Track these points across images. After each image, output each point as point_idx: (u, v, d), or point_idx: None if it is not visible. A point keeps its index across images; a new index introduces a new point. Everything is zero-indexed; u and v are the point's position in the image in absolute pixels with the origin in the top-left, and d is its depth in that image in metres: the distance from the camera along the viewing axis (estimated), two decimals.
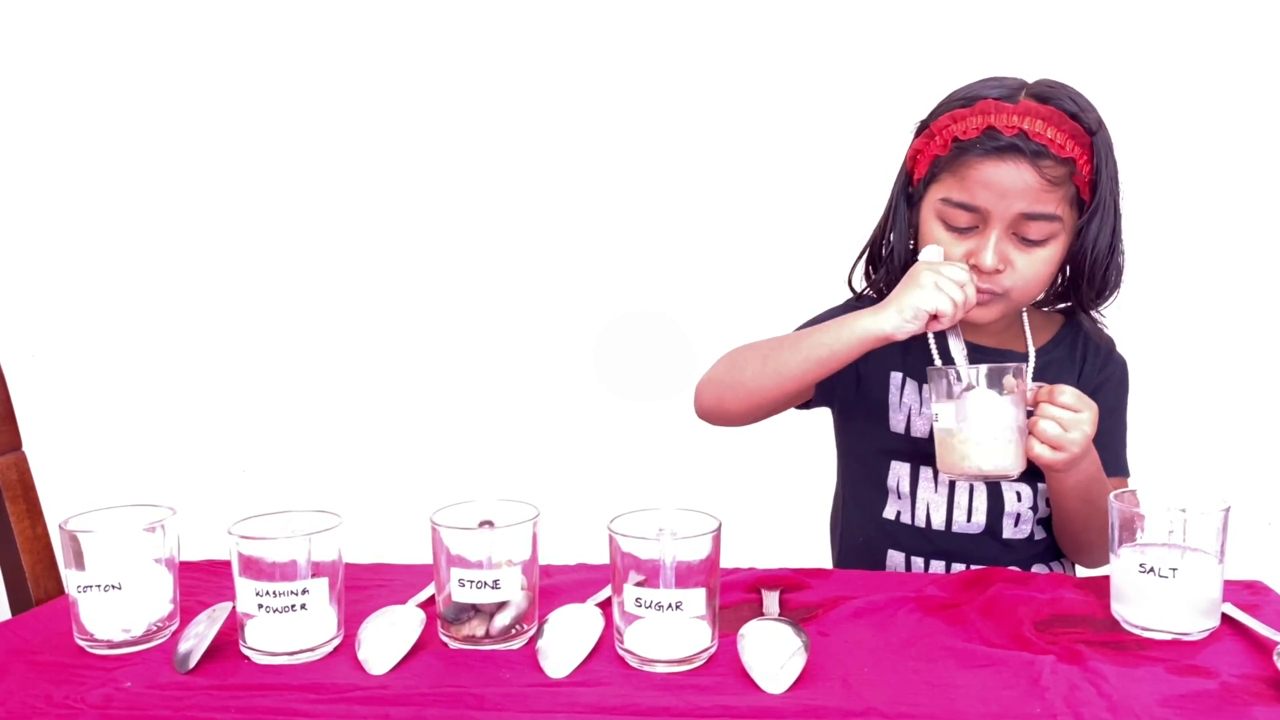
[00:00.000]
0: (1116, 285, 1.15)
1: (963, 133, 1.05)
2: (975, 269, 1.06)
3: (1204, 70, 1.90)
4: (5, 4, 2.03)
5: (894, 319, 1.02)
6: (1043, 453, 0.99)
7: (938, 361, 1.17)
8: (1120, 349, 1.24)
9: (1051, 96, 1.05)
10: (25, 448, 1.10)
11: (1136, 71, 1.87)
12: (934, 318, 1.02)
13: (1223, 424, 1.93)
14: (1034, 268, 1.07)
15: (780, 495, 1.82)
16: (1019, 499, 1.17)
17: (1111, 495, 0.90)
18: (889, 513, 1.20)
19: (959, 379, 1.00)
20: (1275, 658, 0.79)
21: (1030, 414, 1.01)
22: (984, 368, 0.99)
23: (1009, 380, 0.98)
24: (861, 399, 1.21)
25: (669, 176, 2.01)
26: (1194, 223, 1.92)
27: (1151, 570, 0.85)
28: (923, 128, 1.12)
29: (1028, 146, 1.02)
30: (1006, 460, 0.98)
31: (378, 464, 2.06)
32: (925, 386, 1.04)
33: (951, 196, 1.07)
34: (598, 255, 2.03)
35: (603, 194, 2.03)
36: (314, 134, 2.05)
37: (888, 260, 1.17)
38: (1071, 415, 0.99)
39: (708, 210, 2.00)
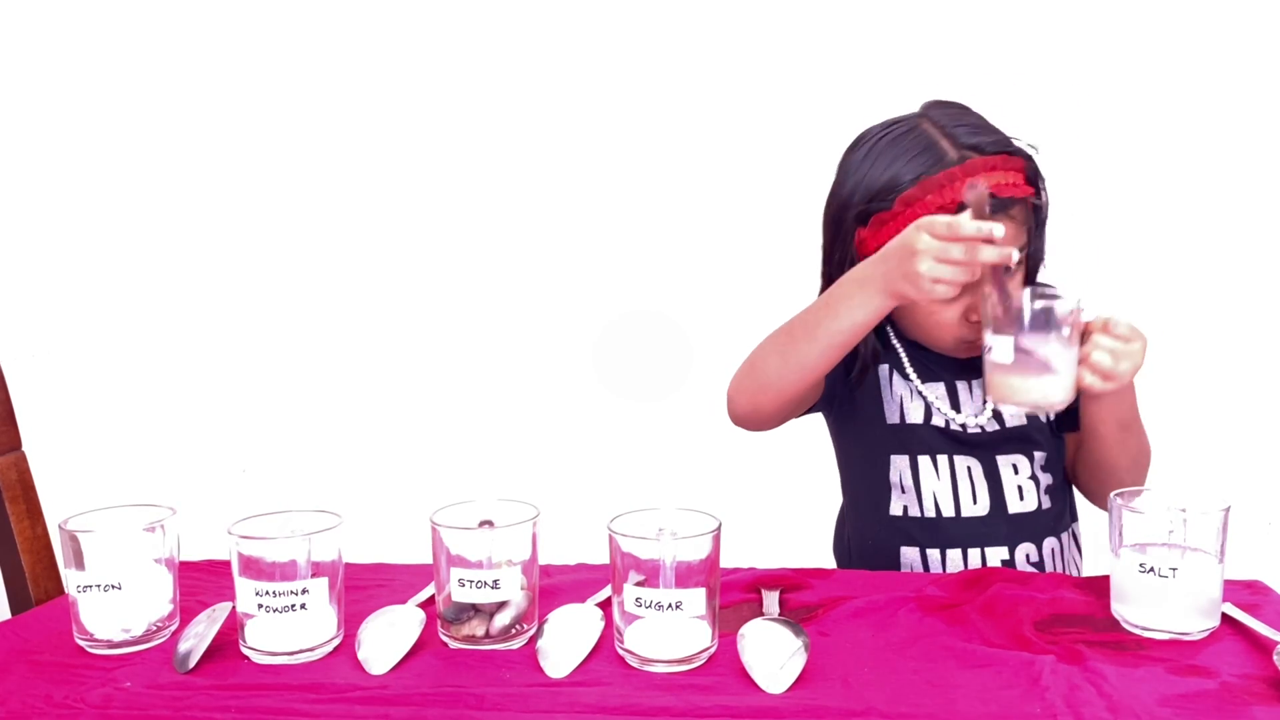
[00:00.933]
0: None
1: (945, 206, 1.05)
2: (977, 324, 1.06)
3: (1204, 71, 1.90)
4: (5, 4, 2.03)
5: (889, 304, 1.00)
6: (1094, 383, 0.98)
7: (909, 371, 1.18)
8: None
9: (985, 145, 1.07)
10: (25, 448, 1.10)
11: (1136, 71, 1.87)
12: (948, 280, 0.96)
13: (1223, 424, 1.93)
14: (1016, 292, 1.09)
15: (780, 495, 1.82)
16: (1015, 471, 1.17)
17: (1112, 495, 0.90)
18: (896, 509, 1.19)
19: (1013, 309, 0.97)
20: (1275, 658, 0.79)
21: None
22: (1039, 299, 0.97)
23: (1063, 310, 0.96)
24: (854, 399, 1.21)
25: (669, 176, 2.01)
26: (1194, 223, 1.92)
27: (1151, 570, 0.85)
28: (865, 216, 1.11)
29: (997, 204, 1.01)
30: (1059, 393, 0.98)
31: (378, 464, 2.06)
32: (982, 309, 1.00)
33: None
34: (597, 255, 2.03)
35: (602, 194, 2.03)
36: (314, 135, 2.05)
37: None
38: (1124, 345, 0.99)
39: (708, 210, 2.00)
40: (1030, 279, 1.16)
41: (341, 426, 2.09)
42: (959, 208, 1.00)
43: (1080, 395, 1.04)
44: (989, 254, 0.93)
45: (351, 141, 2.05)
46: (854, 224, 1.14)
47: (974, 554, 1.16)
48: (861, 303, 1.01)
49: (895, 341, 1.21)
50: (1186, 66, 1.90)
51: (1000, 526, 1.17)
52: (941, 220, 0.94)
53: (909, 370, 1.19)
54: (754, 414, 1.14)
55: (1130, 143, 1.88)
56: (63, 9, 2.03)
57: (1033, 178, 1.10)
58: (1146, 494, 0.92)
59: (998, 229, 0.93)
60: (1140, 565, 0.86)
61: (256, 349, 2.09)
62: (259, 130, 2.05)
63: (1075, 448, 1.21)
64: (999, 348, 0.98)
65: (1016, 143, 1.11)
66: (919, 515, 1.18)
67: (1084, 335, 1.00)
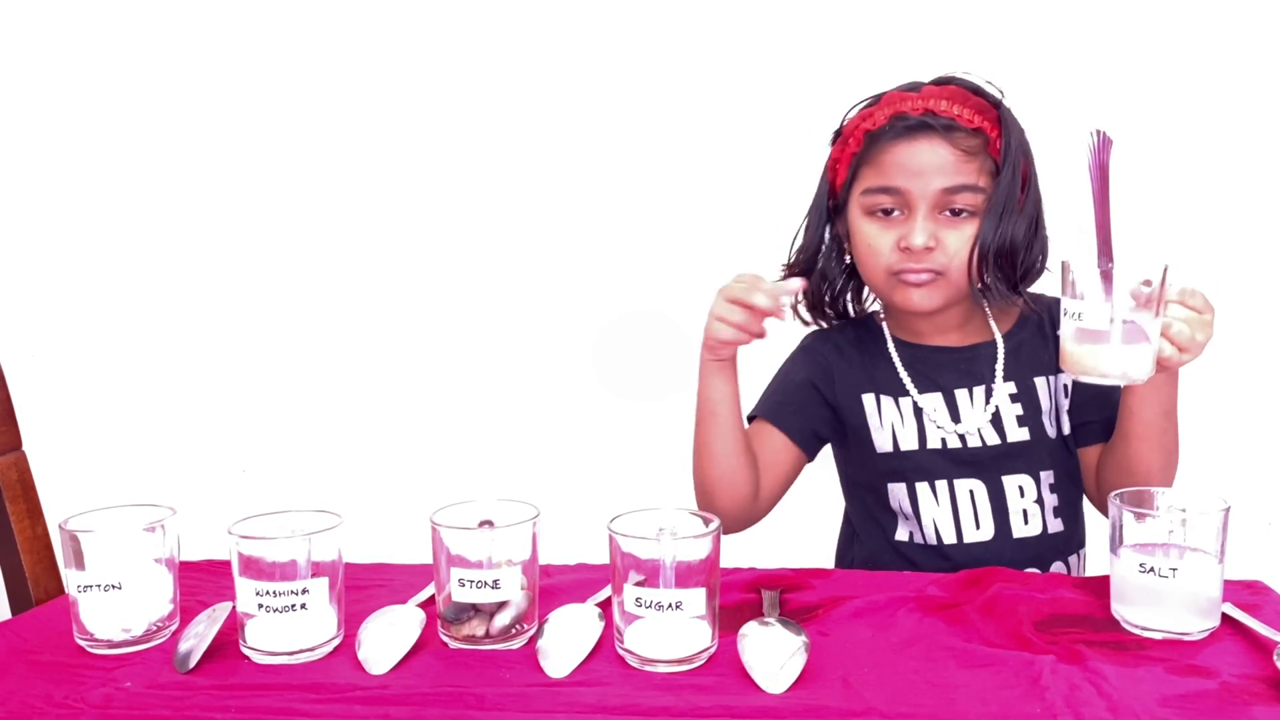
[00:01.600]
0: (1043, 265, 1.15)
1: (873, 124, 1.10)
2: (908, 251, 1.08)
3: (1203, 69, 1.90)
4: (5, 4, 2.03)
5: (703, 358, 1.08)
6: (1173, 355, 0.95)
7: (906, 382, 1.17)
8: None
9: (951, 79, 1.12)
10: (25, 448, 1.10)
11: (1134, 70, 1.87)
12: (729, 342, 1.04)
13: (1223, 424, 1.93)
14: (962, 241, 1.09)
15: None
16: (1021, 494, 1.15)
17: (1111, 495, 0.90)
18: (901, 535, 1.19)
19: (1095, 280, 0.93)
20: (1275, 658, 0.79)
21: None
22: (1122, 270, 0.93)
23: (1144, 283, 0.92)
24: (843, 429, 1.21)
25: (669, 177, 2.01)
26: (1194, 223, 1.92)
27: (1151, 570, 0.85)
28: (836, 136, 1.17)
29: (936, 123, 1.07)
30: (1141, 368, 0.93)
31: (378, 464, 2.06)
32: (1063, 276, 0.98)
33: (871, 184, 1.11)
34: (597, 255, 2.03)
35: (602, 194, 2.03)
36: (314, 136, 2.05)
37: (816, 277, 1.20)
38: (1199, 317, 0.96)
39: (708, 210, 2.00)
40: (1004, 246, 1.10)
41: (341, 426, 2.09)
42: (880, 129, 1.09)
43: (1123, 387, 1.02)
44: (760, 299, 1.00)
45: (351, 142, 2.05)
46: (829, 148, 1.18)
47: None
48: (702, 375, 1.09)
49: (892, 350, 1.20)
50: (1186, 65, 1.90)
51: (1005, 551, 1.15)
52: (735, 285, 1.02)
53: (905, 380, 1.17)
54: (739, 512, 1.15)
55: (1130, 142, 1.88)
56: (63, 9, 2.03)
57: (1000, 124, 1.10)
58: (1146, 494, 0.92)
59: (792, 285, 1.05)
60: (1140, 565, 0.86)
61: (256, 349, 2.09)
62: (259, 131, 2.05)
63: (1096, 458, 1.17)
64: (1090, 315, 0.92)
65: (985, 87, 1.12)
66: (922, 543, 1.17)
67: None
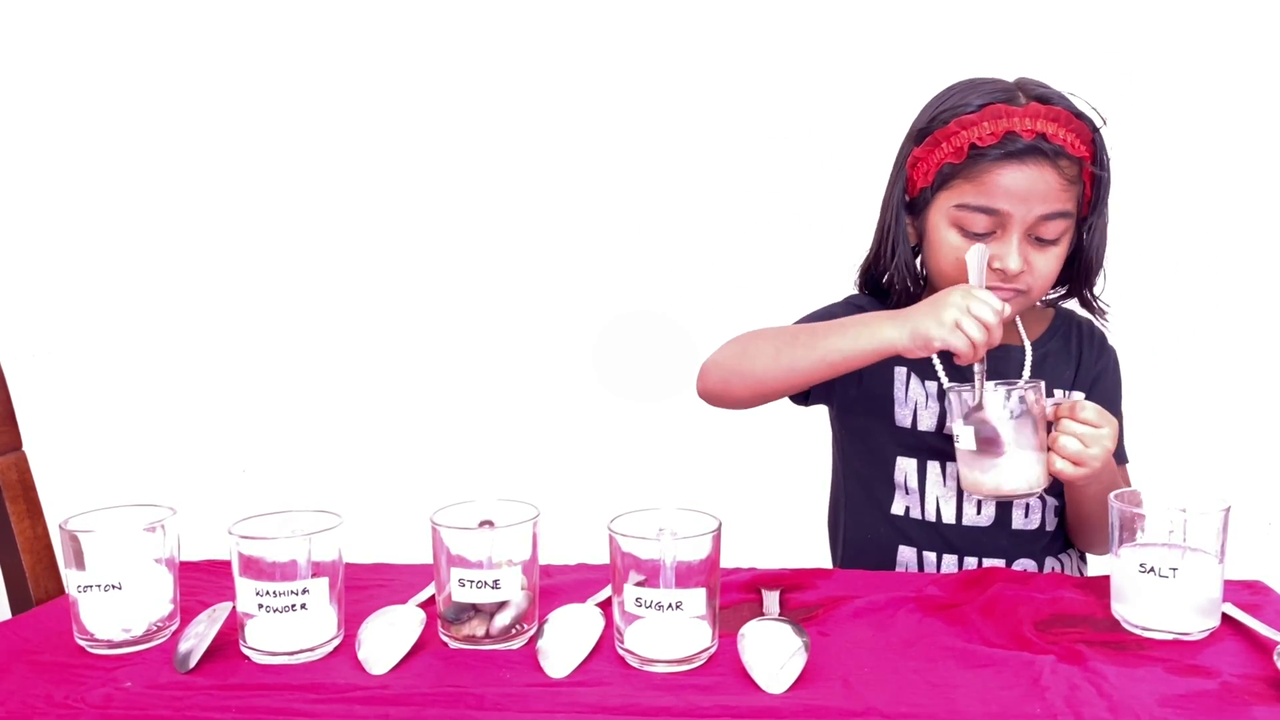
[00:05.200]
0: (1100, 268, 1.17)
1: (978, 139, 1.06)
2: (999, 272, 1.07)
3: (1204, 67, 1.90)
4: (5, 4, 2.03)
5: (906, 340, 1.01)
6: (1064, 468, 0.99)
7: (937, 366, 1.17)
8: (1122, 348, 1.25)
9: (1054, 98, 1.07)
10: (25, 448, 1.10)
11: (1133, 69, 1.87)
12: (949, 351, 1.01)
13: (1223, 424, 1.93)
14: (1049, 265, 1.10)
15: (780, 495, 1.82)
16: None
17: (1111, 495, 0.90)
18: (898, 508, 1.19)
19: (977, 399, 0.99)
20: (1275, 658, 0.79)
21: (1049, 429, 1.01)
22: (1003, 387, 0.99)
23: (1029, 399, 0.98)
24: (864, 395, 1.20)
25: (668, 177, 2.01)
26: (1196, 223, 1.92)
27: (1151, 570, 0.85)
28: (923, 135, 1.12)
29: (1048, 148, 1.04)
30: (1028, 480, 0.98)
31: (378, 464, 2.06)
32: (945, 401, 1.04)
33: (969, 201, 1.07)
34: (597, 255, 2.03)
35: (602, 194, 2.03)
36: (314, 136, 2.05)
37: (894, 270, 1.18)
38: (1093, 431, 0.99)
39: (707, 210, 2.00)
40: (1089, 261, 1.15)
41: (341, 426, 2.09)
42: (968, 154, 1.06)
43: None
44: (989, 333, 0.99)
45: (352, 143, 2.05)
46: (911, 144, 1.14)
47: (970, 562, 1.16)
48: (877, 330, 1.03)
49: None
50: (1185, 65, 1.90)
51: (1001, 539, 1.17)
52: (984, 294, 1.00)
53: (937, 365, 1.17)
54: (724, 393, 1.15)
55: (1131, 143, 1.88)
56: (63, 9, 2.03)
57: (1094, 147, 1.09)
58: (1147, 494, 0.92)
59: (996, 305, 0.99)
60: (1140, 565, 0.86)
61: (256, 349, 2.09)
62: (259, 131, 2.05)
63: None
64: (964, 436, 0.99)
65: (1087, 111, 1.09)
66: (920, 518, 1.18)
67: (1053, 422, 1.00)
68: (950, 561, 1.17)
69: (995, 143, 1.05)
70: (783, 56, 1.97)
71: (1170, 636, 0.85)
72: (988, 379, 1.00)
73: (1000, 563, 1.15)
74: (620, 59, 1.99)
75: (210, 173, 2.07)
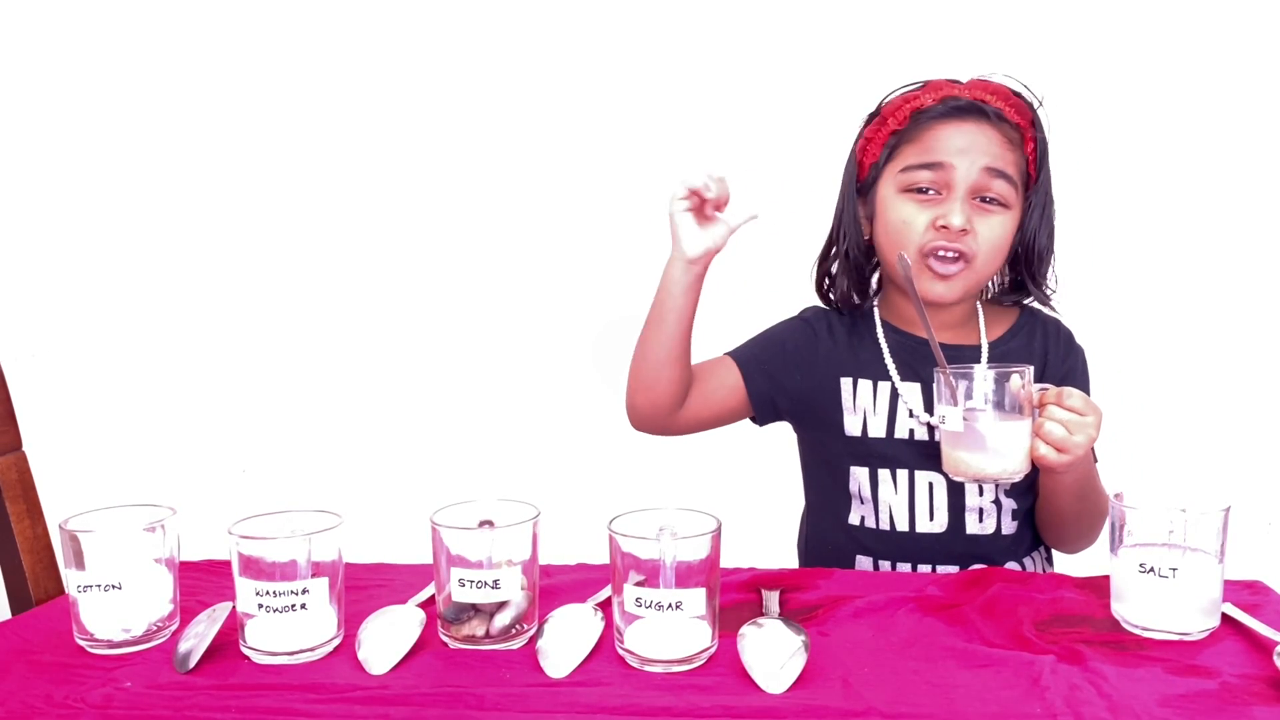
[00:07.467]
0: (1050, 254, 1.18)
1: (920, 105, 1.11)
2: (944, 230, 1.09)
3: (1202, 69, 1.90)
4: (5, 4, 2.03)
5: (676, 248, 1.07)
6: (1047, 454, 0.99)
7: (890, 367, 1.18)
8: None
9: (994, 77, 1.14)
10: (25, 448, 1.10)
11: (1130, 69, 1.87)
12: (696, 193, 1.05)
13: (1222, 424, 1.93)
14: (994, 233, 1.11)
15: (780, 495, 1.81)
16: (980, 492, 1.16)
17: (1112, 496, 0.90)
18: (854, 518, 1.20)
19: (963, 383, 1.00)
20: (1275, 658, 0.79)
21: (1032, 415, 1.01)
22: (990, 371, 0.99)
23: (1015, 383, 0.98)
24: (810, 410, 1.21)
25: (668, 177, 2.01)
26: (1195, 225, 1.92)
27: (1151, 570, 0.85)
28: (872, 117, 1.17)
29: (989, 110, 1.10)
30: (1012, 464, 0.99)
31: (378, 464, 2.06)
32: (933, 387, 1.04)
33: (913, 161, 1.11)
34: (597, 256, 2.03)
35: (602, 195, 2.03)
36: (315, 136, 2.05)
37: (843, 257, 1.19)
38: (1078, 419, 0.99)
39: None
40: (1031, 248, 1.15)
41: (341, 426, 2.09)
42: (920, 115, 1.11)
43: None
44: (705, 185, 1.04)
45: (352, 143, 2.05)
46: (861, 129, 1.18)
47: (925, 569, 1.16)
48: (667, 276, 1.08)
49: (880, 335, 1.20)
50: (1184, 64, 1.90)
51: (955, 545, 1.16)
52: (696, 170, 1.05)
53: (889, 365, 1.18)
54: (651, 416, 1.17)
55: (1131, 142, 1.88)
56: (63, 9, 2.03)
57: (1035, 127, 1.13)
58: (1147, 494, 0.92)
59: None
60: (1140, 565, 0.86)
61: (256, 349, 2.09)
62: (259, 131, 2.05)
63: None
64: (950, 417, 1.00)
65: (1024, 91, 1.14)
66: (875, 527, 1.18)
67: (1039, 408, 1.01)
68: (905, 570, 1.16)
69: (936, 103, 1.10)
70: (786, 58, 1.97)
71: (1170, 636, 0.85)
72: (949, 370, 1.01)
73: (955, 570, 1.13)
74: (620, 60, 1.99)
75: (210, 174, 2.07)
